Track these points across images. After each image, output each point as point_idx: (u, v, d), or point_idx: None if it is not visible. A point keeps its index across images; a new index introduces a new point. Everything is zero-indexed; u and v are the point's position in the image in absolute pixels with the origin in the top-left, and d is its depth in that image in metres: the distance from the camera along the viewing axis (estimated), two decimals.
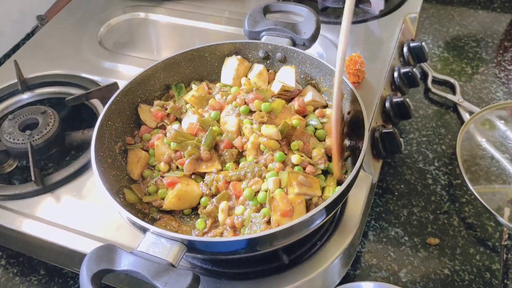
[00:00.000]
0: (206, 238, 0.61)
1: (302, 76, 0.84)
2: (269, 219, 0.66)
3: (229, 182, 0.72)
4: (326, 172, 0.74)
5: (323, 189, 0.71)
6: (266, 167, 0.72)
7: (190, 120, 0.78)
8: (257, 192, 0.70)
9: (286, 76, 0.83)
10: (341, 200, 0.65)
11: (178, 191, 0.72)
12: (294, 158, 0.72)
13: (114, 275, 0.57)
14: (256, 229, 0.65)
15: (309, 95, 0.81)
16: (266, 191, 0.69)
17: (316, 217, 0.61)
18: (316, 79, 0.83)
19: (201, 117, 0.78)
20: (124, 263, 0.56)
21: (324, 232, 0.74)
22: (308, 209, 0.67)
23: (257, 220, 0.66)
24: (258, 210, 0.68)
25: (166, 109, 0.82)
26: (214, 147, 0.76)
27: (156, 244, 0.58)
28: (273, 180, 0.68)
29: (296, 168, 0.71)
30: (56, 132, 0.89)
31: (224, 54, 0.87)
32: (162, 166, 0.76)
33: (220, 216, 0.70)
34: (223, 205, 0.70)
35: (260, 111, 0.75)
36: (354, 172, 0.63)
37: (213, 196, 0.73)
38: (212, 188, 0.73)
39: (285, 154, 0.73)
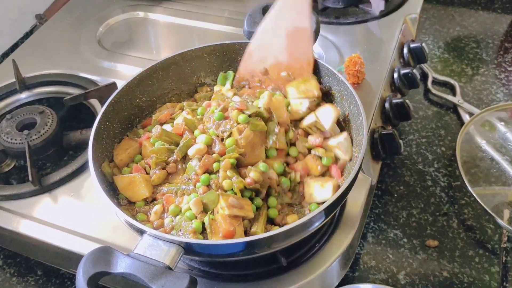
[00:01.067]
0: (204, 241, 0.60)
1: None
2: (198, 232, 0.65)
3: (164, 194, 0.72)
4: None
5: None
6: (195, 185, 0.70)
7: (180, 119, 0.78)
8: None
9: (325, 115, 0.75)
10: (340, 202, 0.64)
11: (130, 180, 0.71)
12: (226, 183, 0.67)
13: (110, 277, 0.57)
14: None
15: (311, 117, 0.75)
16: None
17: (315, 219, 0.60)
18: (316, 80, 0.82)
19: (190, 116, 0.77)
20: (121, 266, 0.55)
21: (322, 234, 0.73)
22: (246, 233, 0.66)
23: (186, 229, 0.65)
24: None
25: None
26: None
27: (153, 247, 0.57)
28: (194, 201, 0.66)
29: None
30: (54, 132, 0.89)
31: (223, 54, 0.86)
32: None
33: (152, 216, 0.69)
34: (156, 208, 0.69)
35: (238, 123, 0.70)
36: (353, 174, 0.63)
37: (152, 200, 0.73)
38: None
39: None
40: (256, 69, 0.82)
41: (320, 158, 0.72)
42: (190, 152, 0.72)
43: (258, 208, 0.68)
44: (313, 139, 0.73)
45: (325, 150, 0.73)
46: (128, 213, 0.67)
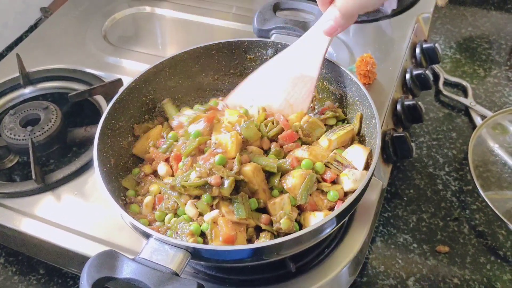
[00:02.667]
0: (212, 247, 0.59)
1: None
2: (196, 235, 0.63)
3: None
4: None
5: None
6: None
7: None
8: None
9: (356, 156, 0.70)
10: (353, 208, 0.62)
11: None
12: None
13: (114, 281, 0.55)
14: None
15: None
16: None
17: (326, 226, 0.58)
18: (327, 80, 0.80)
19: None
20: (126, 271, 0.53)
21: (332, 239, 0.72)
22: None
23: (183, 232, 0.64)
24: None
25: None
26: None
27: (160, 251, 0.56)
28: (189, 204, 0.65)
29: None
30: (58, 129, 0.87)
31: (232, 52, 0.84)
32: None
33: (144, 209, 0.69)
34: (147, 200, 0.70)
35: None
36: (367, 179, 0.61)
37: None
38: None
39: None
40: (244, 105, 0.78)
41: (326, 193, 0.67)
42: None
43: None
44: (329, 174, 0.68)
45: (330, 184, 0.68)
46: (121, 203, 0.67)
